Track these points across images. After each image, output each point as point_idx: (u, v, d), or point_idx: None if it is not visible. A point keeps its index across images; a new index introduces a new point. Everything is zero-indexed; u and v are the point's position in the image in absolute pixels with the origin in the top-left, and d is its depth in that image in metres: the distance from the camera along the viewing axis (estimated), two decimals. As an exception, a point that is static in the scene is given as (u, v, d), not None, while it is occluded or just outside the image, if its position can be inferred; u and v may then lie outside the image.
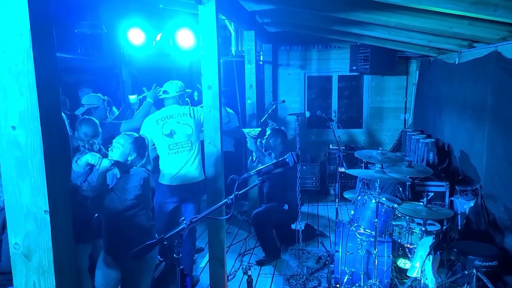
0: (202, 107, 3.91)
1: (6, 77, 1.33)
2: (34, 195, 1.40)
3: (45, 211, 1.41)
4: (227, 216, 2.10)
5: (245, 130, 5.10)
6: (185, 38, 5.16)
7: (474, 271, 3.56)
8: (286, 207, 4.85)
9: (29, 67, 1.31)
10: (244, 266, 4.55)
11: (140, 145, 3.06)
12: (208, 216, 1.98)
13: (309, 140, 8.23)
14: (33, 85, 1.32)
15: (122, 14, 5.42)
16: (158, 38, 5.53)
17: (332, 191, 7.35)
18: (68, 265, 1.53)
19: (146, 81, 4.88)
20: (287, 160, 2.07)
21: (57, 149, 1.44)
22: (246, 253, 5.11)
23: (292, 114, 5.12)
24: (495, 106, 4.13)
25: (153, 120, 4.12)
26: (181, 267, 1.92)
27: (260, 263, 4.79)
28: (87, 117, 3.84)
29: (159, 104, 4.52)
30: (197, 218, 1.95)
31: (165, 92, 4.23)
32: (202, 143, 3.97)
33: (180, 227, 1.89)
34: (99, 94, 4.54)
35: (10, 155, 1.37)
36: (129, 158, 2.99)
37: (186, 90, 4.43)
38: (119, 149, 2.97)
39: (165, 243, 1.90)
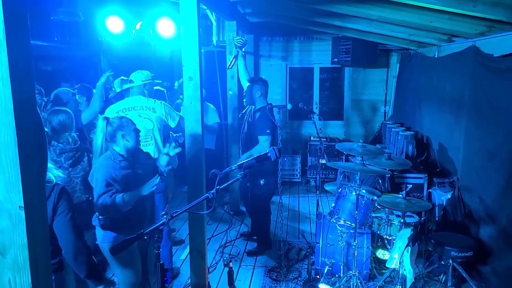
0: (182, 98, 3.89)
1: (-24, 68, 1.27)
2: (8, 191, 1.35)
3: (20, 207, 1.36)
4: (209, 211, 2.09)
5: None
6: (166, 27, 5.08)
7: (450, 261, 3.65)
8: (262, 182, 4.66)
9: (2, 58, 1.25)
10: (225, 259, 4.58)
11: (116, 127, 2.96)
12: (190, 211, 1.96)
13: (290, 131, 8.25)
14: (6, 77, 1.26)
15: (100, 2, 5.28)
16: (138, 26, 5.42)
17: (313, 183, 7.40)
18: (44, 261, 1.49)
19: (125, 70, 4.80)
20: (268, 154, 2.06)
21: (32, 144, 1.39)
22: (227, 245, 5.11)
23: (274, 106, 5.10)
24: (472, 99, 4.21)
25: (114, 110, 4.05)
26: (161, 262, 1.90)
27: (252, 254, 4.81)
28: (62, 108, 3.74)
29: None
30: (178, 213, 1.92)
31: (130, 81, 4.18)
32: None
33: (161, 222, 1.87)
34: (69, 89, 4.47)
35: (-18, 150, 1.32)
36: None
37: (156, 81, 4.39)
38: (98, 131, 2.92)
39: (145, 238, 1.87)
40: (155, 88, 5.09)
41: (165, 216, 1.88)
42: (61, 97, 4.41)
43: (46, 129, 3.10)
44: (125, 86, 4.23)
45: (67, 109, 3.66)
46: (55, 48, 5.65)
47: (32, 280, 1.41)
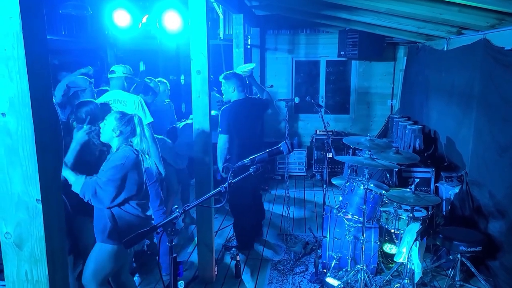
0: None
1: (-6, 62, 1.27)
2: (26, 184, 1.36)
3: (37, 200, 1.37)
4: (220, 205, 2.09)
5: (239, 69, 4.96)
6: (172, 21, 5.04)
7: (459, 256, 3.65)
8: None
9: (19, 52, 1.26)
10: (232, 252, 4.60)
11: (127, 122, 2.91)
12: (201, 205, 1.96)
13: (296, 125, 8.24)
14: (23, 70, 1.27)
15: (108, -5, 5.26)
16: (144, 20, 5.40)
17: (318, 177, 7.39)
18: (60, 254, 1.50)
19: (131, 64, 4.79)
20: (281, 148, 2.06)
21: (49, 137, 1.40)
22: (233, 238, 5.12)
23: (281, 100, 5.11)
24: (482, 93, 4.18)
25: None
26: (174, 255, 1.90)
27: (228, 248, 4.74)
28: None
29: None
30: (190, 207, 1.93)
31: (111, 72, 4.21)
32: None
33: (174, 215, 1.87)
34: (85, 76, 4.44)
35: (0, 143, 1.32)
36: (115, 135, 2.85)
37: (136, 79, 4.42)
38: (106, 126, 2.86)
39: (158, 231, 1.88)
40: (157, 79, 5.11)
41: (178, 210, 1.89)
42: (79, 84, 4.40)
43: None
44: (109, 76, 4.27)
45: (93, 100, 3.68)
46: (62, 42, 5.65)
47: (49, 272, 1.43)
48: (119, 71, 4.20)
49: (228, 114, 4.45)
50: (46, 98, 1.37)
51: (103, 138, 2.89)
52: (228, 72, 4.70)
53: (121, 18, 5.09)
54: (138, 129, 2.92)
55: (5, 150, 1.33)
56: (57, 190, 1.48)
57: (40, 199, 1.37)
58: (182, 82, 7.26)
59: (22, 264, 1.43)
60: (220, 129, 4.44)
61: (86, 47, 6.56)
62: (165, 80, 5.46)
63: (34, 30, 1.30)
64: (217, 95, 5.90)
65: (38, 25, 1.32)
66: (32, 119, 1.30)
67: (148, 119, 3.99)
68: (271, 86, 7.07)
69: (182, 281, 1.88)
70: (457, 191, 4.43)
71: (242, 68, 4.96)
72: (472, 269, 3.67)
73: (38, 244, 1.41)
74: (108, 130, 2.84)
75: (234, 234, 4.93)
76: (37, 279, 1.43)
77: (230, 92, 4.56)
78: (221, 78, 4.62)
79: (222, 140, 4.45)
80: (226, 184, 1.92)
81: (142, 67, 5.60)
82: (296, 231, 5.30)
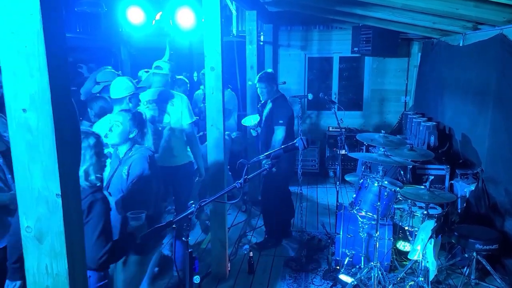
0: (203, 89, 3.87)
1: (16, 58, 1.28)
2: (46, 179, 1.38)
3: (56, 194, 1.39)
4: (236, 200, 2.10)
5: (246, 123, 4.99)
6: (185, 17, 5.04)
7: (474, 254, 3.61)
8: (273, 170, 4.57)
9: (40, 49, 1.27)
10: (245, 248, 4.62)
11: (139, 120, 2.94)
12: (217, 200, 1.97)
13: (308, 122, 8.22)
14: (44, 67, 1.28)
15: (121, -8, 5.29)
16: (157, 17, 5.42)
17: (331, 174, 7.36)
18: (79, 248, 1.53)
19: (145, 61, 4.81)
20: (296, 144, 2.06)
21: (68, 133, 1.41)
22: (246, 234, 5.15)
23: (295, 97, 5.09)
24: (499, 90, 4.11)
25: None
26: (189, 250, 1.92)
27: (259, 246, 4.75)
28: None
29: None
30: (206, 202, 1.94)
31: (157, 67, 4.10)
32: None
33: (189, 211, 1.89)
34: (112, 69, 4.41)
35: (21, 139, 1.34)
36: (130, 136, 2.86)
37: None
38: (119, 127, 2.84)
39: (173, 226, 1.90)
40: (178, 77, 5.10)
41: (193, 205, 1.90)
42: (108, 78, 4.39)
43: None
44: (155, 71, 4.13)
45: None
46: (77, 39, 5.70)
47: (69, 266, 1.45)
48: (165, 67, 4.06)
49: (287, 106, 4.53)
50: (65, 94, 1.39)
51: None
52: (263, 73, 4.73)
53: (135, 15, 5.11)
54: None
55: (26, 146, 1.35)
56: (75, 185, 1.50)
57: (60, 194, 1.39)
58: (195, 79, 7.29)
59: (42, 257, 1.45)
60: (281, 121, 4.42)
61: (100, 45, 6.62)
62: (185, 79, 5.46)
63: (53, 27, 1.31)
64: (232, 93, 5.91)
65: (57, 22, 1.33)
66: (52, 115, 1.32)
67: (192, 118, 4.00)
68: (284, 82, 7.06)
69: (198, 276, 1.89)
70: (473, 188, 4.38)
71: (248, 122, 4.99)
72: (488, 268, 3.63)
73: (58, 238, 1.43)
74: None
75: (265, 231, 4.92)
76: (57, 273, 1.45)
77: (274, 91, 4.62)
78: (257, 80, 4.67)
79: (281, 133, 4.43)
80: (241, 180, 1.93)
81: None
82: (309, 227, 5.30)
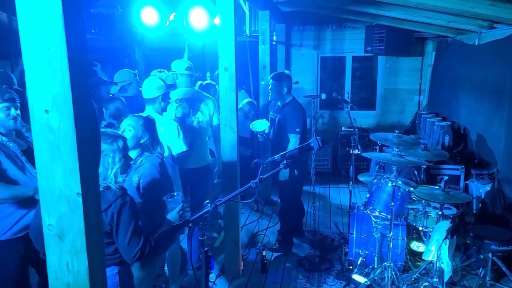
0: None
1: (38, 61, 1.32)
2: (67, 178, 1.41)
3: (77, 193, 1.42)
4: (251, 200, 2.12)
5: (256, 129, 4.94)
6: (199, 18, 5.08)
7: (490, 255, 3.57)
8: (295, 172, 4.44)
9: (62, 51, 1.30)
10: (258, 247, 4.63)
11: (151, 127, 2.92)
12: (232, 200, 1.99)
13: (321, 121, 8.20)
14: (65, 69, 1.31)
15: (136, -7, 5.35)
16: (171, 17, 5.46)
17: (344, 173, 7.34)
18: (98, 246, 1.56)
19: (158, 62, 4.85)
20: (311, 145, 2.07)
21: (88, 133, 1.44)
22: (259, 233, 5.16)
23: (308, 96, 5.09)
24: (515, 89, 4.07)
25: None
26: (205, 249, 1.94)
27: (274, 251, 4.69)
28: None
29: None
30: (221, 202, 1.96)
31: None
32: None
33: (205, 210, 1.91)
34: (129, 69, 4.46)
35: (44, 139, 1.38)
36: (141, 141, 2.84)
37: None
38: (131, 131, 2.82)
39: (190, 225, 1.92)
40: (205, 82, 5.09)
41: (209, 205, 1.92)
42: (125, 78, 4.43)
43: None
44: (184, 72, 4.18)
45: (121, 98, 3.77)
46: (92, 40, 5.79)
47: (89, 264, 1.48)
48: (188, 67, 4.17)
49: (301, 110, 4.46)
50: (85, 95, 1.42)
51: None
52: (277, 72, 4.71)
53: (149, 16, 5.16)
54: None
55: (48, 146, 1.38)
56: (95, 184, 1.53)
57: (81, 192, 1.42)
58: (208, 79, 7.32)
59: (63, 255, 1.48)
60: (297, 129, 4.33)
61: (114, 45, 6.70)
62: (213, 82, 5.35)
63: (75, 29, 1.34)
64: (246, 94, 5.91)
65: (78, 25, 1.36)
66: (73, 116, 1.35)
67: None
68: (297, 82, 7.04)
69: (214, 274, 1.91)
70: (488, 189, 4.33)
71: (258, 127, 4.96)
72: (504, 269, 3.59)
73: (78, 236, 1.46)
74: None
75: (280, 233, 4.82)
76: (78, 270, 1.48)
77: (282, 93, 4.53)
78: (270, 77, 4.62)
79: (297, 142, 4.30)
80: (257, 180, 1.95)
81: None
82: (321, 227, 5.29)
